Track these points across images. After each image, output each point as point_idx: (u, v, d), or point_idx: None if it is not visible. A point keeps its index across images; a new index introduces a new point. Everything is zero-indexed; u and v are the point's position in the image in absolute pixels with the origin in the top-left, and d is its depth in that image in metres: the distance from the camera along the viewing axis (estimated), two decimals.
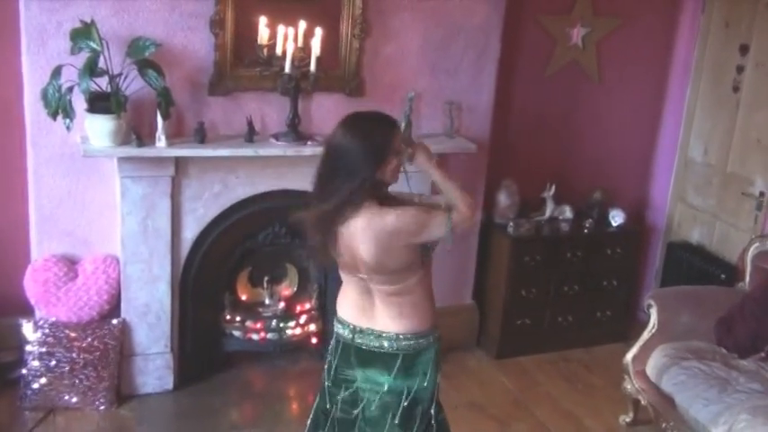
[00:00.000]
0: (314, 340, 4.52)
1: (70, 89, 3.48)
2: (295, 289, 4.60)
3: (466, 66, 4.41)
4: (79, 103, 3.58)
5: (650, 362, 3.92)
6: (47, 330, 3.87)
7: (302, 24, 3.90)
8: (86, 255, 4.00)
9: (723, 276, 4.60)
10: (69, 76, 3.51)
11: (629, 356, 4.05)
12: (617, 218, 4.96)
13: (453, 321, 4.77)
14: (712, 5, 4.91)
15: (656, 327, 4.02)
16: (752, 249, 4.24)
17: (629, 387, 4.07)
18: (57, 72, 3.48)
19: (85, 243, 3.98)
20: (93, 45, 3.49)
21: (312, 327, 4.51)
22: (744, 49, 4.68)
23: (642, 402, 3.98)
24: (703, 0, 4.96)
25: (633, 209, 5.28)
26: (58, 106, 3.48)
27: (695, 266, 4.87)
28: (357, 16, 4.07)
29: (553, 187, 4.86)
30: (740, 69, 4.71)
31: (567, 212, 4.92)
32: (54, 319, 3.91)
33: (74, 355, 3.86)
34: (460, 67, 4.39)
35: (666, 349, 3.90)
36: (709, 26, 4.93)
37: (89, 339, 3.90)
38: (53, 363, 3.84)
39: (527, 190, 4.84)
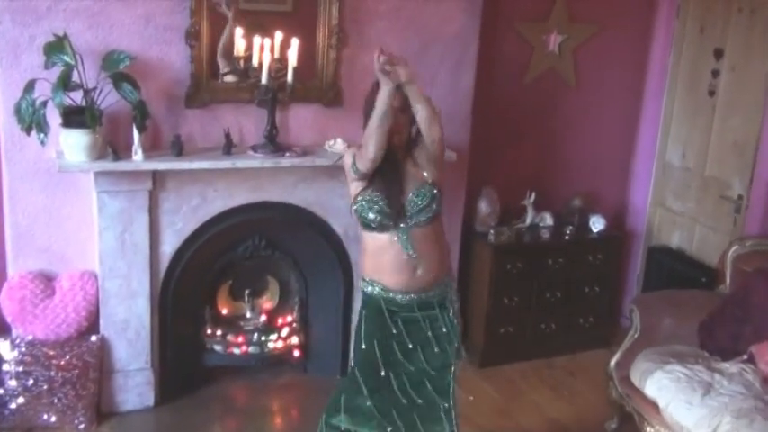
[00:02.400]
0: (296, 353, 4.48)
1: (44, 103, 3.45)
2: (276, 302, 4.57)
3: (444, 74, 4.41)
4: (54, 117, 3.55)
5: (634, 367, 3.91)
6: (24, 349, 3.82)
7: (278, 35, 3.88)
8: (63, 271, 3.95)
9: (704, 280, 4.61)
10: (43, 91, 3.46)
11: (612, 362, 4.04)
12: (597, 224, 4.97)
13: None
14: (687, 11, 4.95)
15: (638, 331, 4.01)
16: (731, 252, 4.25)
17: (613, 393, 4.06)
18: (30, 86, 3.44)
19: (62, 259, 3.94)
20: (67, 59, 3.46)
21: (294, 340, 4.48)
22: (718, 54, 4.71)
23: (627, 408, 3.97)
24: (678, 5, 5.00)
25: (613, 215, 5.29)
26: (32, 121, 3.44)
27: (676, 271, 4.88)
28: (333, 26, 4.06)
29: (533, 195, 4.86)
30: (715, 73, 4.74)
31: (548, 219, 4.93)
32: (31, 337, 3.85)
33: (52, 373, 3.80)
34: (438, 76, 4.39)
35: (649, 354, 3.90)
36: (684, 31, 4.97)
37: (67, 357, 3.84)
38: (31, 382, 3.78)
39: (507, 198, 4.85)
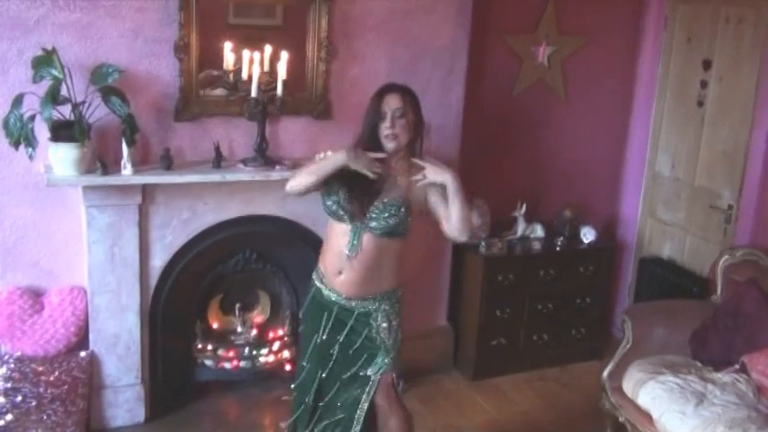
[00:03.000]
0: (287, 367, 4.45)
1: (32, 118, 3.42)
2: (267, 316, 4.54)
3: (434, 86, 4.41)
4: (42, 131, 3.52)
5: (626, 377, 3.91)
6: (12, 365, 3.78)
7: (268, 48, 3.88)
8: (52, 286, 3.91)
9: (695, 290, 4.62)
10: (31, 105, 3.45)
11: (605, 373, 4.04)
12: (588, 235, 4.97)
13: (428, 344, 4.75)
14: (674, 22, 4.97)
15: (631, 342, 4.01)
16: (722, 262, 4.26)
17: (606, 404, 4.05)
18: (18, 100, 3.42)
19: (51, 274, 3.91)
20: (55, 73, 3.44)
21: (286, 354, 4.45)
22: (707, 64, 4.74)
23: (620, 419, 3.96)
24: (665, 17, 5.03)
25: (604, 225, 5.30)
26: (20, 135, 3.42)
27: (667, 281, 4.88)
28: (323, 39, 4.06)
29: (524, 206, 4.86)
30: (704, 84, 4.76)
31: (539, 231, 4.92)
32: (19, 353, 3.82)
33: (41, 389, 3.76)
34: (428, 88, 4.39)
35: (642, 364, 3.90)
36: (672, 42, 4.99)
37: (56, 373, 3.80)
38: (19, 398, 3.73)
39: (498, 209, 4.84)
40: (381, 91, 3.06)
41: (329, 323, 3.14)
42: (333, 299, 3.12)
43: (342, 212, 3.00)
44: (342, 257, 3.04)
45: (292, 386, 3.40)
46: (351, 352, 3.14)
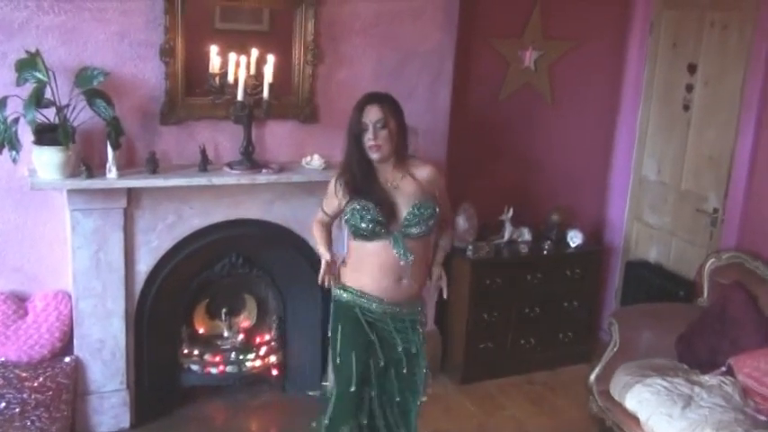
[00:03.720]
0: (274, 372, 4.44)
1: (16, 120, 3.40)
2: (254, 320, 4.53)
3: (421, 90, 4.41)
4: (26, 135, 3.50)
5: (614, 380, 3.91)
6: None
7: (254, 52, 3.87)
8: (36, 291, 3.89)
9: (682, 293, 4.62)
10: (15, 108, 3.42)
11: (592, 376, 4.05)
12: (575, 239, 4.98)
13: None
14: (659, 27, 5.00)
15: (618, 345, 4.02)
16: (708, 265, 4.28)
17: (594, 407, 4.05)
18: (2, 103, 3.40)
19: (35, 279, 3.88)
20: (39, 75, 3.42)
21: (272, 358, 4.43)
22: (692, 69, 4.76)
23: (607, 422, 3.97)
24: (651, 22, 5.05)
25: (591, 229, 5.31)
26: (4, 138, 3.40)
27: (654, 284, 4.89)
28: (309, 42, 4.06)
29: (511, 210, 4.86)
30: (689, 88, 4.78)
31: (526, 234, 4.93)
32: (3, 358, 3.77)
33: (25, 395, 3.71)
34: (415, 92, 4.39)
35: (629, 367, 3.90)
36: (658, 47, 5.02)
37: (41, 379, 3.76)
38: (3, 405, 3.67)
39: (485, 213, 4.84)
40: (361, 103, 3.06)
41: (376, 334, 3.12)
42: (382, 310, 3.10)
43: (379, 227, 2.99)
44: (393, 270, 3.04)
45: (326, 384, 3.39)
46: (413, 352, 3.17)
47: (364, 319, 3.10)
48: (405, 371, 3.15)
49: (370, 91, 3.16)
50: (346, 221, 3.07)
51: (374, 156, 3.02)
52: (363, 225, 3.00)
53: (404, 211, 3.02)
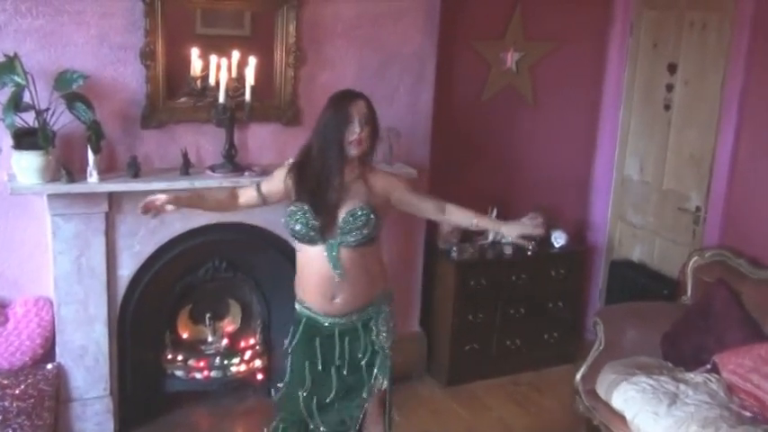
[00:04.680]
0: (259, 376, 4.41)
1: None
2: (238, 325, 4.49)
3: (403, 92, 4.41)
4: (5, 139, 3.47)
5: (600, 379, 3.91)
6: None
7: (236, 54, 3.85)
8: (17, 297, 3.84)
9: (666, 292, 4.64)
10: None
11: (578, 375, 4.04)
12: (559, 239, 4.99)
13: (401, 349, 4.64)
14: (639, 27, 5.02)
15: (603, 344, 4.02)
16: (692, 263, 4.30)
17: (580, 407, 4.05)
18: None
19: (16, 285, 3.84)
20: (18, 79, 3.38)
21: (257, 363, 4.40)
22: (672, 68, 4.78)
23: (594, 421, 3.96)
24: (631, 22, 5.08)
25: (574, 230, 5.32)
26: None
27: (638, 284, 4.90)
28: (291, 45, 4.05)
29: (495, 211, 4.85)
30: (670, 88, 4.81)
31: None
32: None
33: (6, 403, 3.66)
34: (397, 94, 4.39)
35: (615, 366, 3.90)
36: (638, 47, 5.04)
37: (22, 386, 3.71)
38: None
39: None
40: (346, 96, 2.97)
41: (331, 345, 3.05)
42: (331, 322, 3.03)
43: (313, 233, 2.90)
44: (330, 282, 2.95)
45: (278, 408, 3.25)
46: (355, 363, 3.07)
47: (311, 329, 3.05)
48: (345, 373, 3.07)
49: (347, 89, 3.08)
50: (284, 222, 2.97)
51: (354, 151, 2.91)
52: (298, 228, 2.91)
53: (340, 216, 2.91)
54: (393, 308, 3.19)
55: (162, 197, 2.94)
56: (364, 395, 3.12)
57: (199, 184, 3.81)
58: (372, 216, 2.94)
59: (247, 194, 3.13)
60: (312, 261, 2.96)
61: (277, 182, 3.06)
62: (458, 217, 3.20)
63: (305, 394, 3.09)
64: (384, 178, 3.08)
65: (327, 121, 2.92)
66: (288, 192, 3.02)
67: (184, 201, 3.11)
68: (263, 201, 3.10)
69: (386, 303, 3.13)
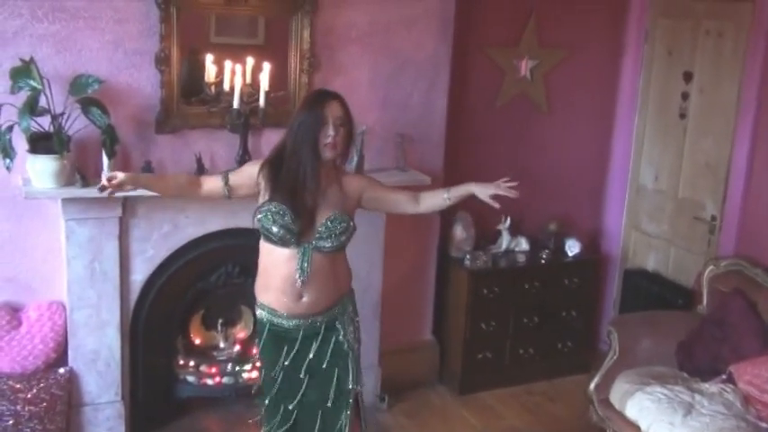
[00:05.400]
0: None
1: (10, 128, 3.38)
2: (250, 331, 4.45)
3: (416, 98, 4.40)
4: (20, 144, 3.47)
5: (614, 389, 3.88)
6: None
7: (250, 60, 3.86)
8: (30, 301, 3.84)
9: (681, 301, 4.60)
10: (9, 116, 3.40)
11: (592, 385, 4.01)
12: (573, 248, 4.96)
13: (413, 358, 4.71)
14: (654, 35, 5.00)
15: (617, 353, 3.99)
16: (707, 272, 4.26)
17: (594, 416, 4.02)
18: None
19: (29, 289, 3.84)
20: (34, 83, 3.40)
21: None
22: (688, 77, 4.76)
23: (607, 431, 3.93)
24: (646, 30, 5.05)
25: (588, 238, 5.29)
26: None
27: (653, 293, 4.86)
28: (305, 51, 4.05)
29: (508, 219, 4.85)
30: (685, 96, 4.78)
31: (524, 244, 4.91)
32: None
33: (18, 407, 3.67)
34: (411, 100, 4.39)
35: (629, 375, 3.87)
36: (653, 55, 5.02)
37: (34, 390, 3.72)
38: None
39: (482, 222, 4.82)
40: (321, 97, 2.89)
41: (294, 349, 2.99)
42: (295, 324, 2.96)
43: (289, 236, 2.84)
44: (293, 285, 2.88)
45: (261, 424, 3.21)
46: (324, 366, 3.01)
47: (276, 336, 2.99)
48: (313, 377, 3.01)
49: (322, 88, 3.03)
50: (258, 221, 2.87)
51: (328, 154, 2.84)
52: (275, 229, 2.82)
53: (319, 221, 2.87)
54: (356, 306, 3.12)
55: (120, 175, 2.87)
56: (339, 402, 3.04)
57: None
58: (351, 224, 2.93)
59: (212, 183, 3.01)
60: (281, 263, 2.88)
61: (246, 177, 2.96)
62: (432, 201, 3.11)
63: (282, 406, 3.04)
64: (354, 180, 3.06)
65: (301, 121, 2.84)
66: (257, 188, 2.93)
67: (143, 180, 3.04)
68: (229, 193, 2.98)
69: (350, 302, 3.08)
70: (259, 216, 2.87)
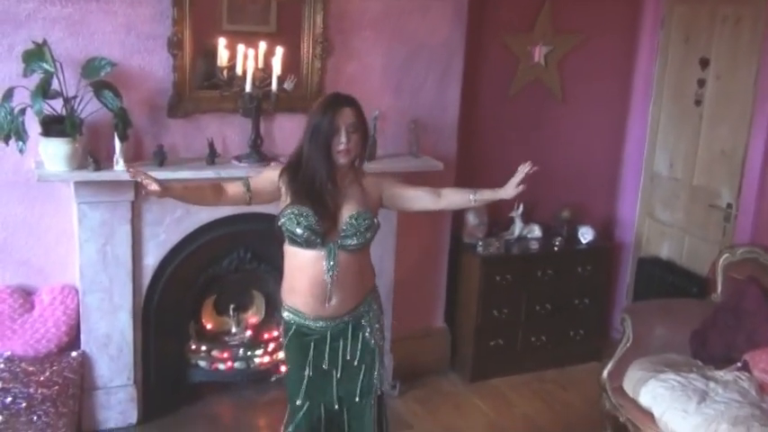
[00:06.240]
0: (282, 368, 4.37)
1: (23, 111, 3.37)
2: (262, 316, 4.48)
3: (430, 84, 4.38)
4: (33, 127, 3.47)
5: (627, 376, 3.85)
6: (2, 365, 3.69)
7: (262, 44, 3.84)
8: (43, 285, 3.85)
9: (695, 290, 4.57)
10: (22, 99, 3.39)
11: (605, 372, 3.98)
12: (586, 235, 4.93)
13: (425, 345, 4.70)
14: (671, 21, 4.95)
15: (631, 341, 3.96)
16: (722, 260, 4.22)
17: (606, 404, 3.99)
18: (8, 94, 3.37)
19: (42, 273, 3.84)
20: (46, 66, 3.39)
21: (281, 355, 4.35)
22: (704, 63, 4.71)
23: (620, 419, 3.90)
24: (662, 16, 5.00)
25: (602, 226, 5.26)
26: (10, 129, 3.37)
27: (666, 281, 4.83)
28: (318, 35, 4.03)
29: (521, 206, 4.82)
30: (701, 83, 4.73)
31: (536, 231, 4.88)
32: (9, 353, 3.73)
33: (31, 390, 3.68)
34: (424, 86, 4.36)
35: (643, 363, 3.84)
36: (669, 41, 4.97)
37: (47, 373, 3.73)
38: (9, 399, 3.65)
39: (495, 209, 4.78)
40: (333, 103, 2.86)
41: (324, 349, 2.96)
42: (322, 325, 2.94)
43: (314, 237, 2.82)
44: (321, 288, 2.86)
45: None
46: (355, 363, 2.99)
47: (302, 338, 2.96)
48: (341, 377, 2.99)
49: (335, 92, 2.99)
50: (282, 225, 2.87)
51: (342, 160, 2.83)
52: (299, 231, 2.80)
53: (343, 220, 2.85)
54: (381, 305, 3.11)
55: (155, 186, 2.78)
56: (366, 398, 3.03)
57: (225, 173, 3.79)
58: (375, 221, 2.92)
59: (234, 189, 2.96)
60: (307, 265, 2.87)
61: (267, 182, 2.95)
62: (455, 198, 3.05)
63: (307, 404, 3.00)
64: (374, 179, 3.01)
65: (315, 127, 2.82)
66: (278, 193, 2.93)
67: (175, 192, 2.94)
68: (250, 199, 2.95)
69: (374, 300, 3.06)
70: (282, 220, 2.86)
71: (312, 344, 2.96)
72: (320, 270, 2.85)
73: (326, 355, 2.96)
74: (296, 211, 2.82)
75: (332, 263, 2.83)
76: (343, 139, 2.80)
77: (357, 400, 3.01)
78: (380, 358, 3.06)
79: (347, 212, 2.86)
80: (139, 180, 2.80)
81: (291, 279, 2.94)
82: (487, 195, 3.00)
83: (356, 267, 2.92)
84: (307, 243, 2.83)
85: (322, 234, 2.82)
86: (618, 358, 3.97)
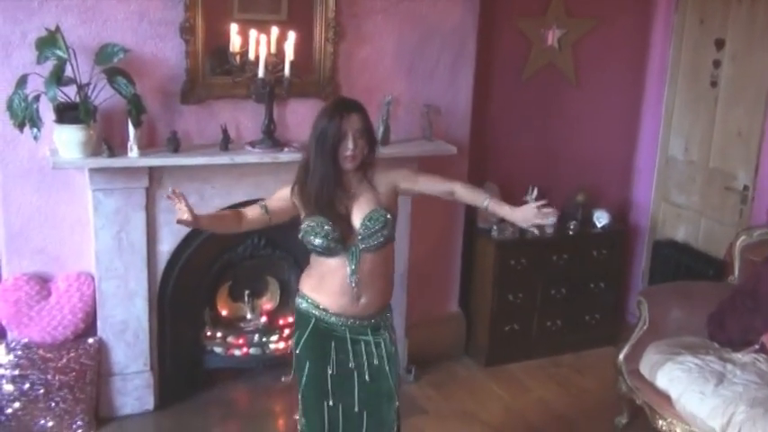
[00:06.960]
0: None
1: (37, 98, 3.38)
2: (277, 302, 4.49)
3: (442, 68, 4.36)
4: (47, 115, 3.48)
5: (644, 359, 3.83)
6: (19, 352, 3.72)
7: (275, 30, 3.83)
8: (59, 272, 3.87)
9: (711, 273, 4.53)
10: (36, 86, 3.40)
11: (621, 355, 3.96)
12: (601, 219, 4.90)
13: (440, 330, 4.70)
14: (686, 3, 4.90)
15: (647, 323, 3.94)
16: (739, 242, 4.19)
17: (623, 387, 3.98)
18: (22, 81, 3.38)
19: (57, 260, 3.86)
20: (60, 53, 3.39)
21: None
22: (719, 44, 4.66)
23: (637, 402, 3.89)
24: None
25: (617, 209, 5.23)
26: (25, 116, 3.38)
27: (682, 265, 4.80)
28: (330, 20, 4.01)
29: (535, 190, 4.76)
30: (717, 64, 4.69)
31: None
32: (27, 340, 3.76)
33: (49, 377, 3.71)
34: (437, 70, 4.34)
35: (659, 346, 3.82)
36: (684, 23, 4.92)
37: (64, 360, 3.75)
38: (27, 386, 3.68)
39: (509, 193, 4.70)
40: (339, 109, 2.83)
41: (345, 349, 2.94)
42: (342, 321, 2.92)
43: (334, 244, 2.82)
44: (352, 287, 2.86)
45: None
46: (374, 368, 2.96)
47: (322, 328, 2.93)
48: (367, 379, 2.95)
49: (341, 96, 2.99)
50: (302, 238, 2.87)
51: (349, 166, 2.82)
52: (318, 242, 2.81)
53: (357, 223, 2.85)
54: (392, 315, 3.11)
55: (188, 216, 2.79)
56: (392, 401, 3.01)
57: (239, 159, 3.81)
58: (389, 216, 2.89)
59: (254, 212, 2.96)
60: (334, 272, 2.87)
61: (281, 201, 2.95)
62: (468, 196, 3.04)
63: (330, 404, 2.97)
64: (386, 172, 2.98)
65: (320, 132, 2.80)
66: (294, 209, 2.93)
67: (203, 222, 2.93)
68: (270, 219, 2.95)
69: (389, 309, 3.07)
70: (302, 233, 2.87)
71: (333, 342, 2.94)
72: (346, 274, 2.85)
73: (350, 356, 2.94)
74: (312, 224, 2.83)
75: (354, 266, 2.84)
76: (351, 144, 2.78)
77: (381, 404, 2.99)
78: (397, 365, 3.05)
79: (360, 214, 2.86)
80: (175, 206, 2.81)
81: (321, 280, 2.93)
82: (501, 211, 2.98)
83: (382, 267, 2.93)
84: (328, 251, 2.84)
85: (341, 240, 2.82)
86: (634, 342, 3.95)
